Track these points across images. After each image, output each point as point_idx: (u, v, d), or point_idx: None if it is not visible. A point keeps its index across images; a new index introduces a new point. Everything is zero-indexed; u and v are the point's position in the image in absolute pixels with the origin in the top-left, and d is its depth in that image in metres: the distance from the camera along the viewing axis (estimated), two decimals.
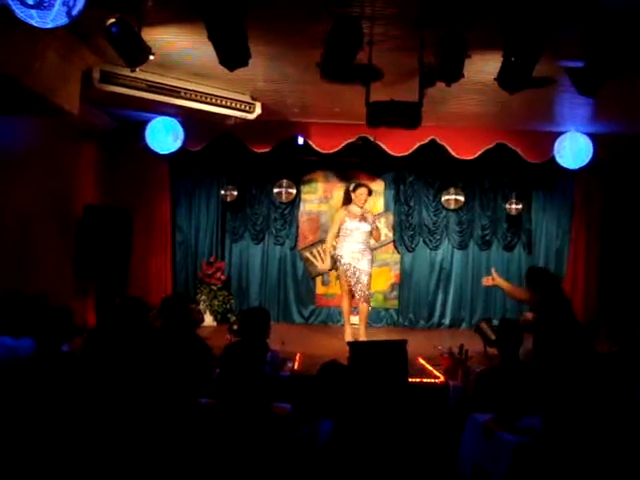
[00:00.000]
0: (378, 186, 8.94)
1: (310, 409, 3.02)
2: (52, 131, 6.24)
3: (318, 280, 9.10)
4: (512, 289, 5.95)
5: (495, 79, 4.77)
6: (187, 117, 6.84)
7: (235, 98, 6.41)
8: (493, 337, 5.70)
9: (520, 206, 8.95)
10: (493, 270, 6.07)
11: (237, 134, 7.49)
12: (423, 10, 4.29)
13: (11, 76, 4.40)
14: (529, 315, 5.46)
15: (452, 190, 9.08)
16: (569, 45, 4.54)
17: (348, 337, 7.03)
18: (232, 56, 4.47)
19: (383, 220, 8.98)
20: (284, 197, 9.05)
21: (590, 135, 7.32)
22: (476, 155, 7.73)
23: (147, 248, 8.23)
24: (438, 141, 7.60)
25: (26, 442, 3.21)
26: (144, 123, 7.11)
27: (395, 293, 9.13)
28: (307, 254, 9.06)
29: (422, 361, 6.09)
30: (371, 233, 7.19)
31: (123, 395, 3.58)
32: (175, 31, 4.84)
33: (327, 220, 8.83)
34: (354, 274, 7.00)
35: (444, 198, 9.09)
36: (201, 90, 6.16)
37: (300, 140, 7.87)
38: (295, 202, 9.10)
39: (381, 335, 7.81)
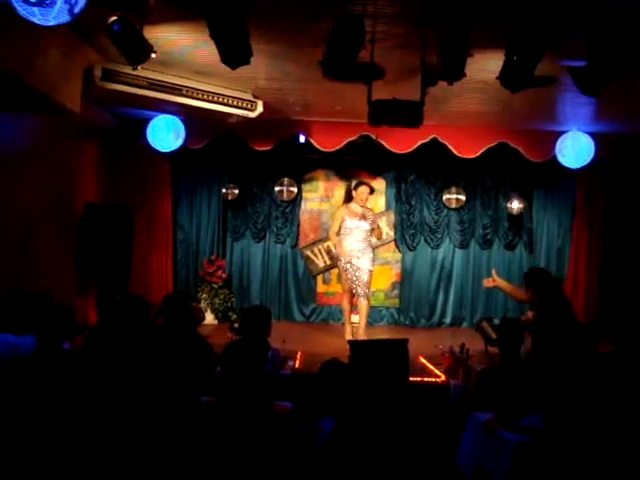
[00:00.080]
0: (379, 185, 8.93)
1: (311, 407, 3.03)
2: (53, 129, 6.24)
3: (319, 278, 9.11)
4: (513, 290, 5.96)
5: (497, 78, 4.77)
6: (188, 115, 6.84)
7: (237, 96, 6.41)
8: (494, 336, 5.69)
9: (521, 205, 8.93)
10: (493, 271, 6.07)
11: (238, 132, 7.49)
12: (425, 8, 4.29)
13: (13, 73, 4.39)
14: (530, 314, 5.45)
15: (453, 189, 9.07)
16: (572, 44, 4.54)
17: (348, 336, 7.04)
18: (234, 54, 4.47)
19: (384, 219, 8.98)
20: (285, 195, 9.05)
21: (592, 134, 7.31)
22: (478, 154, 7.72)
23: (148, 246, 8.23)
24: (440, 140, 7.60)
25: (27, 439, 3.22)
26: (145, 121, 7.11)
27: (396, 292, 9.13)
28: (308, 252, 9.07)
29: (423, 360, 6.08)
30: (372, 231, 7.19)
31: (124, 393, 3.59)
32: (177, 29, 4.84)
33: (328, 219, 8.82)
34: (355, 272, 7.00)
35: (445, 197, 9.09)
36: (203, 88, 6.16)
37: (301, 138, 7.87)
38: (296, 200, 9.09)
39: (382, 334, 7.82)
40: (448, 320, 9.11)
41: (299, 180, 9.07)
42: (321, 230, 9.06)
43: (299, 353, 5.97)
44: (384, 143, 7.56)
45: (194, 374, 3.75)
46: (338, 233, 7.19)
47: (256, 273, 9.11)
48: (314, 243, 9.07)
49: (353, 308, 7.39)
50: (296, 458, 2.86)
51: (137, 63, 4.67)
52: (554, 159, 7.54)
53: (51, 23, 3.63)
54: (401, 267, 9.14)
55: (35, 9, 3.51)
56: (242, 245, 9.16)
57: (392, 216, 9.12)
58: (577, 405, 3.35)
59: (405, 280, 9.13)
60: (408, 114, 5.37)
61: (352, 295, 7.22)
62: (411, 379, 5.22)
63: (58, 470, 3.19)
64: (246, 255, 9.14)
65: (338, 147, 7.70)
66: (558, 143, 7.37)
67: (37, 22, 3.60)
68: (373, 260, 7.26)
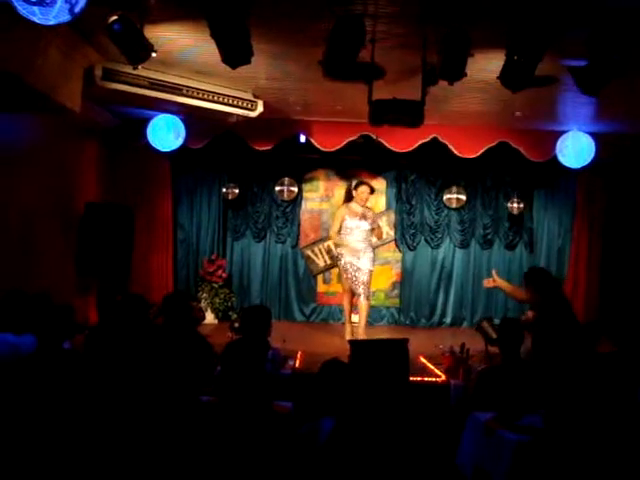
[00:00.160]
0: (380, 184, 8.93)
1: (311, 407, 3.02)
2: (54, 128, 6.24)
3: (319, 278, 9.12)
4: (513, 290, 5.95)
5: (498, 78, 4.77)
6: (189, 115, 6.84)
7: (237, 96, 6.41)
8: (494, 336, 5.68)
9: (522, 205, 8.93)
10: (494, 272, 6.07)
11: (239, 132, 7.50)
12: (426, 8, 4.29)
13: (13, 73, 4.39)
14: (530, 314, 5.45)
15: (454, 189, 9.07)
16: (572, 44, 4.54)
17: (349, 335, 7.04)
18: (234, 54, 4.47)
19: (385, 218, 8.98)
20: (286, 195, 9.05)
21: (592, 134, 7.31)
22: (478, 154, 7.73)
23: (148, 246, 8.23)
24: (440, 139, 7.60)
25: (27, 439, 3.22)
26: (146, 121, 7.11)
27: (396, 292, 9.13)
28: (308, 252, 9.08)
29: (423, 360, 6.08)
30: (372, 231, 7.19)
31: (124, 393, 3.58)
32: (177, 29, 4.84)
33: (328, 218, 8.81)
34: (355, 272, 7.00)
35: (446, 197, 9.09)
36: (203, 88, 6.16)
37: (302, 138, 7.88)
38: (297, 200, 9.09)
39: (382, 334, 7.82)
40: (448, 320, 9.11)
41: (299, 180, 9.07)
42: (321, 230, 9.06)
43: (299, 353, 5.97)
44: (384, 142, 7.57)
45: (194, 374, 3.75)
46: (339, 232, 7.19)
47: (256, 273, 9.11)
48: (314, 243, 9.07)
49: (353, 308, 7.39)
50: (296, 458, 2.86)
51: (137, 63, 4.67)
52: (554, 159, 7.54)
53: (51, 22, 3.63)
54: (401, 267, 9.13)
55: (35, 8, 3.51)
56: (242, 245, 9.16)
57: (392, 216, 9.11)
58: (577, 405, 3.35)
59: (405, 280, 9.13)
60: (409, 114, 5.36)
61: (352, 295, 7.22)
62: (411, 379, 5.22)
63: (58, 470, 3.19)
64: (246, 255, 9.14)
65: (338, 147, 7.70)
66: (558, 143, 7.37)
67: (37, 21, 3.60)
68: (373, 260, 7.26)
